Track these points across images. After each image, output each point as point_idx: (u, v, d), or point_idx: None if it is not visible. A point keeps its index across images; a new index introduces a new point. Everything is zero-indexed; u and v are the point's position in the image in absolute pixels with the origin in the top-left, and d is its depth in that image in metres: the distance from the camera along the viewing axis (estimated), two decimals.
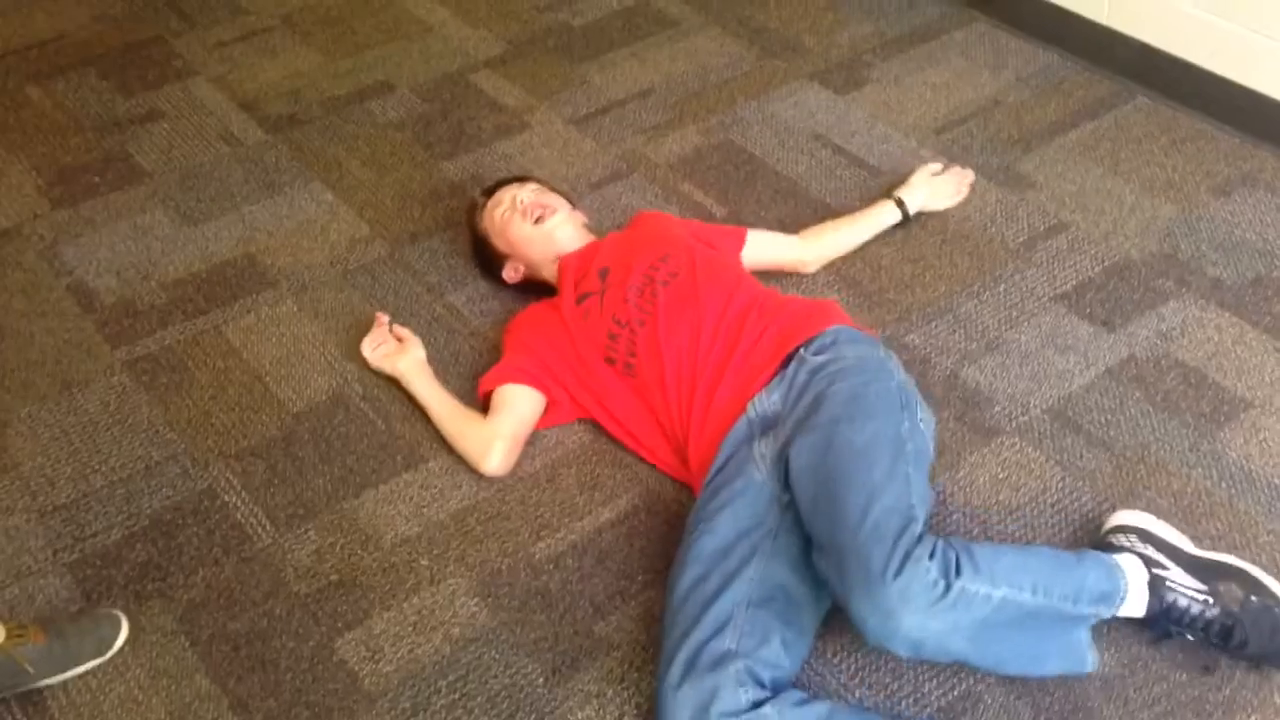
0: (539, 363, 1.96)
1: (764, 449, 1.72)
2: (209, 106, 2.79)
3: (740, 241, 2.16)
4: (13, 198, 2.52)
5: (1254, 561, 1.72)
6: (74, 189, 2.54)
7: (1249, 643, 1.59)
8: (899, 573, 1.45)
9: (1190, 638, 1.63)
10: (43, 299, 2.27)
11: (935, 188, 2.39)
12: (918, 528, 1.52)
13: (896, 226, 2.33)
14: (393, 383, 2.06)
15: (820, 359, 1.77)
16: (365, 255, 2.37)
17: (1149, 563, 1.63)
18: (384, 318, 2.14)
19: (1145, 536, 1.68)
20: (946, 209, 2.39)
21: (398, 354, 2.07)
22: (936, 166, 2.44)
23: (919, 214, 2.36)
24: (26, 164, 2.61)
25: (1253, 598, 1.61)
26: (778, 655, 1.53)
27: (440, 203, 2.50)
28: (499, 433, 1.91)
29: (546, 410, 1.98)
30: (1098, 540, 1.73)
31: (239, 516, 1.88)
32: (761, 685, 1.49)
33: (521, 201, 2.12)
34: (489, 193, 2.20)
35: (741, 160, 2.58)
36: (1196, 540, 1.74)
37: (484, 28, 3.05)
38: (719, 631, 1.53)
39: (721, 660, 1.49)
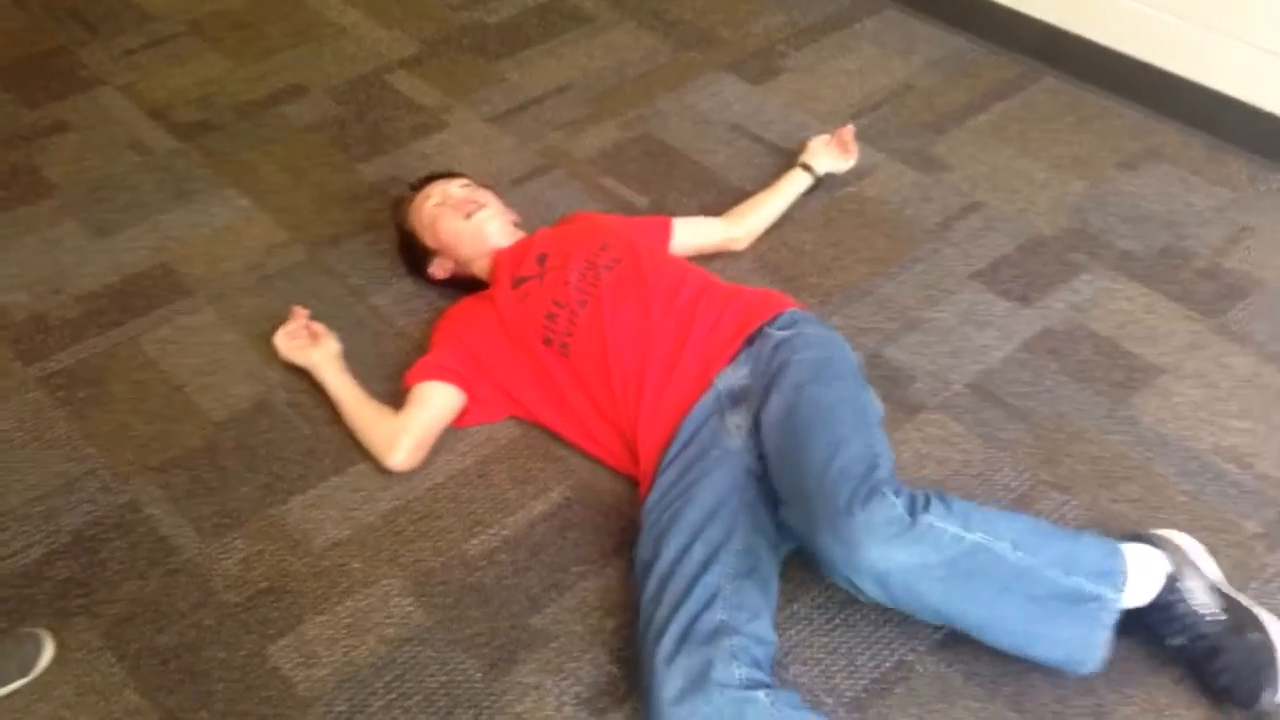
0: (466, 358, 1.96)
1: (738, 420, 1.73)
2: (117, 116, 2.74)
3: (667, 231, 2.18)
4: None
5: (1169, 524, 1.77)
6: None
7: (1225, 672, 1.54)
8: (864, 505, 1.47)
9: (1172, 642, 1.59)
10: None
11: (832, 153, 2.45)
12: (881, 473, 1.55)
13: (810, 192, 2.39)
14: (310, 381, 2.05)
15: (785, 333, 1.80)
16: (284, 260, 2.34)
17: (1177, 567, 1.59)
18: (301, 311, 2.12)
19: (1178, 554, 1.63)
20: (849, 169, 2.45)
21: (311, 345, 2.06)
22: (825, 136, 2.49)
23: (827, 176, 2.42)
24: None
25: (1251, 635, 1.56)
26: (766, 630, 1.55)
27: (359, 205, 2.48)
28: (406, 428, 1.91)
29: (472, 408, 1.97)
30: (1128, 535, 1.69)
31: (163, 529, 1.85)
32: (754, 664, 1.49)
33: (452, 196, 2.11)
34: (416, 188, 2.19)
35: (661, 152, 2.59)
36: (1115, 503, 1.79)
37: (397, 28, 3.03)
38: (710, 604, 1.53)
39: (715, 633, 1.50)
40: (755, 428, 1.71)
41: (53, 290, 2.28)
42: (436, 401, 1.93)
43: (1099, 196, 2.43)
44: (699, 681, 1.45)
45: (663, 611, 1.55)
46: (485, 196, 2.15)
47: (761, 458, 1.69)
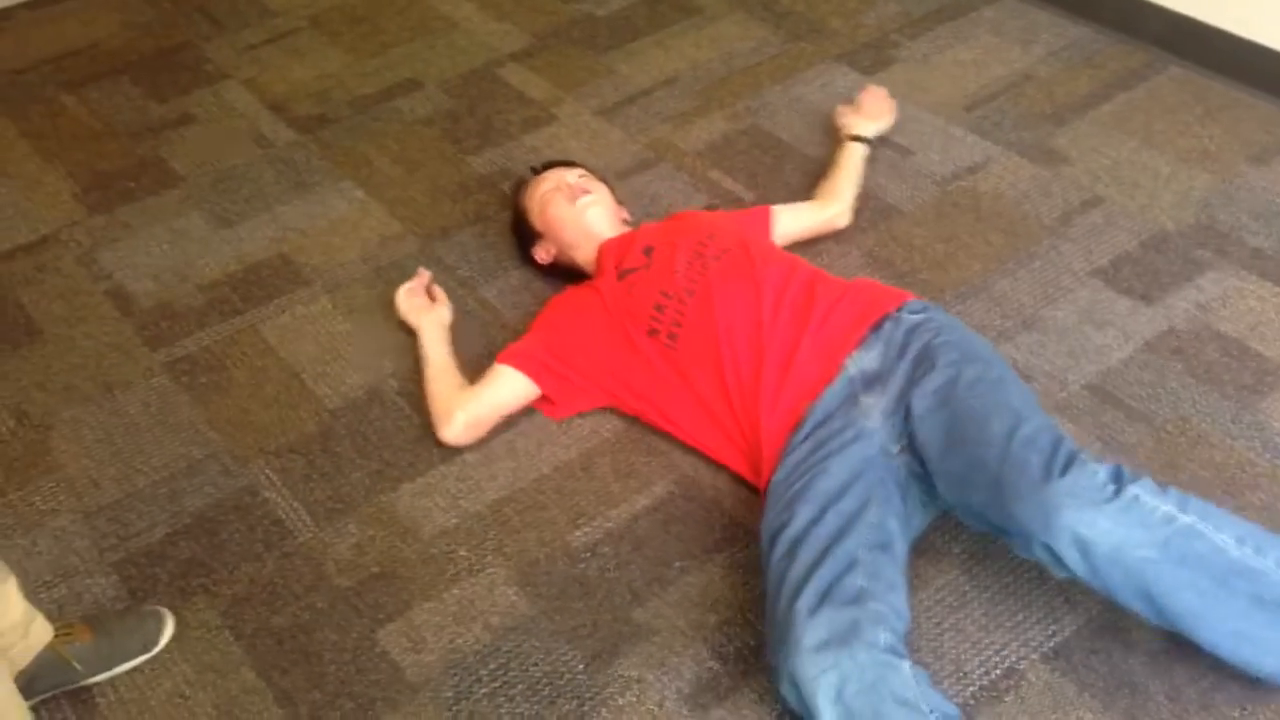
0: (559, 347, 1.96)
1: (872, 400, 1.71)
2: (240, 109, 2.81)
3: (767, 219, 2.17)
4: (50, 205, 2.55)
5: None
6: (110, 195, 2.57)
7: None
8: (1064, 472, 1.46)
9: None
10: (82, 304, 2.30)
11: (868, 115, 2.45)
12: (1071, 444, 1.52)
13: (869, 155, 2.41)
14: (421, 372, 2.07)
15: (916, 318, 1.78)
16: (397, 251, 2.38)
17: None
18: (425, 273, 2.19)
19: None
20: (890, 127, 2.49)
21: (426, 308, 2.12)
22: (844, 105, 2.51)
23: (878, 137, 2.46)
24: (63, 171, 2.65)
25: None
26: (903, 605, 1.52)
27: (470, 197, 2.51)
28: (465, 405, 1.94)
29: (563, 398, 1.97)
30: None
31: (280, 512, 1.90)
32: (898, 636, 1.46)
33: (565, 182, 2.13)
34: (538, 171, 2.22)
35: (769, 145, 2.57)
36: (1239, 511, 1.71)
37: (509, 21, 3.05)
38: (850, 569, 1.49)
39: (859, 597, 1.46)
40: (899, 408, 1.68)
41: (178, 278, 2.35)
42: (506, 387, 1.95)
43: (1227, 191, 2.33)
44: (846, 637, 1.41)
45: (797, 570, 1.51)
46: (597, 188, 2.15)
47: (908, 438, 1.66)
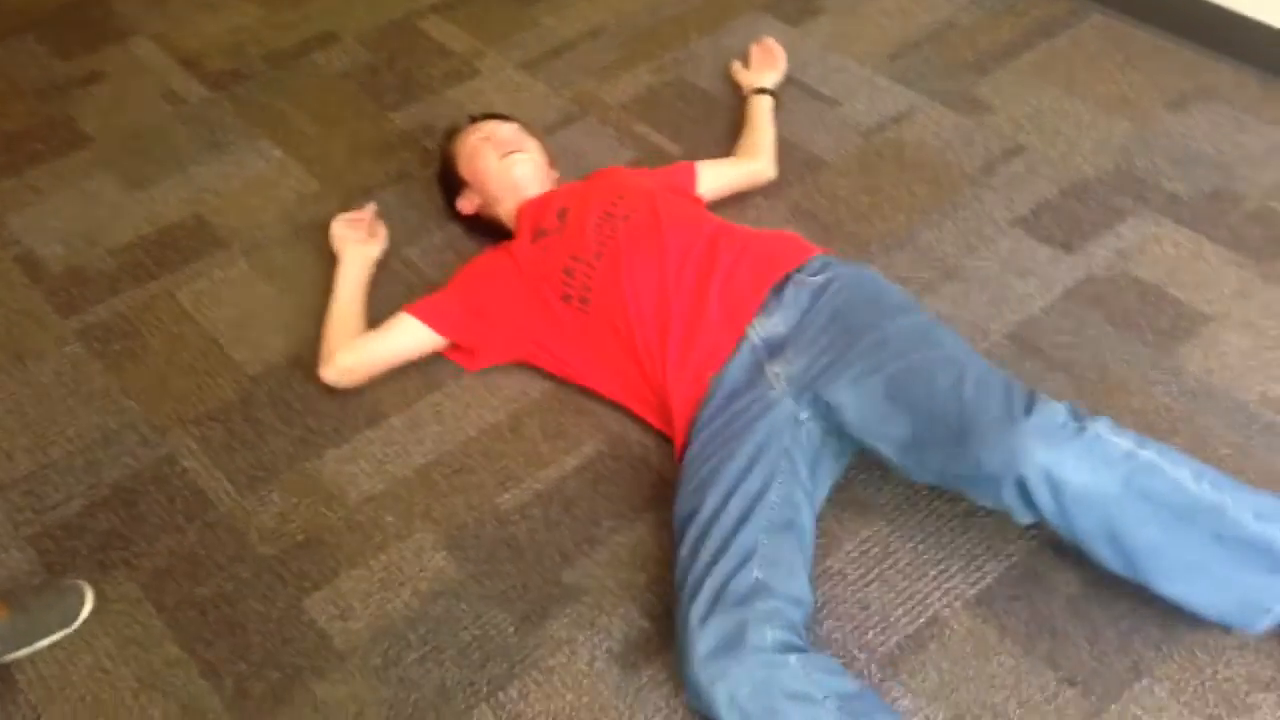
0: (473, 305, 1.94)
1: (777, 369, 1.70)
2: (150, 65, 2.73)
3: (692, 175, 2.15)
4: None
5: None
6: (16, 157, 2.48)
7: None
8: (1027, 411, 1.47)
9: None
10: None
11: (765, 67, 2.50)
12: (1022, 385, 1.53)
13: (775, 105, 2.42)
14: None
15: (818, 279, 1.77)
16: (317, 211, 2.33)
17: None
18: (372, 206, 2.21)
19: None
20: (784, 74, 2.52)
21: (356, 240, 2.12)
22: (737, 62, 2.56)
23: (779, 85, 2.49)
24: None
25: None
26: (803, 589, 1.53)
27: (391, 154, 2.46)
28: (352, 347, 1.94)
29: (478, 352, 1.96)
30: None
31: (200, 482, 1.86)
32: (788, 628, 1.47)
33: (496, 134, 2.10)
34: (474, 120, 2.19)
35: (695, 97, 2.54)
36: None
37: None
38: (745, 562, 1.51)
39: (750, 594, 1.48)
40: (806, 376, 1.67)
41: (89, 243, 2.28)
42: (403, 336, 1.94)
43: (1146, 138, 2.35)
44: (732, 643, 1.44)
45: (698, 568, 1.53)
46: (530, 146, 2.12)
47: (818, 406, 1.65)
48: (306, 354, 2.04)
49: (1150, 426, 1.83)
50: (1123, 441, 1.47)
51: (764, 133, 2.32)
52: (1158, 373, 1.92)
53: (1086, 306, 2.03)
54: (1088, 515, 1.46)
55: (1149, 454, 1.47)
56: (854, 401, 1.62)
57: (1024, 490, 1.46)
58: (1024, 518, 1.51)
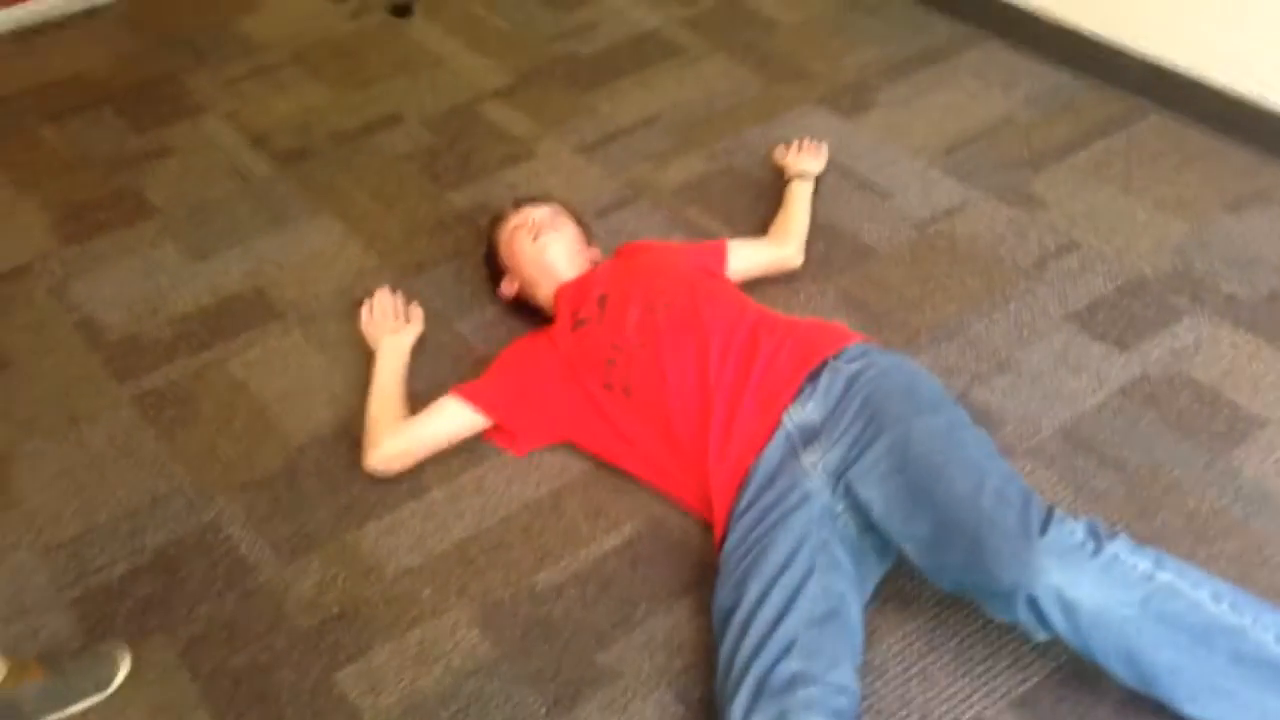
0: (516, 388, 1.95)
1: (813, 458, 1.69)
2: (219, 141, 2.81)
3: (722, 255, 2.17)
4: (24, 235, 2.54)
5: (1268, 585, 1.67)
6: (84, 226, 2.56)
7: None
8: (1043, 530, 1.45)
9: None
10: (51, 335, 2.29)
11: (807, 156, 2.53)
12: (1039, 498, 1.51)
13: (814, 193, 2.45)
14: None
15: (854, 366, 1.76)
16: (372, 285, 2.36)
17: None
18: (385, 291, 2.25)
19: None
20: (820, 168, 2.52)
21: (388, 329, 2.15)
22: (781, 147, 2.59)
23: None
24: (38, 201, 2.64)
25: None
26: (847, 678, 1.50)
27: (447, 232, 2.50)
28: (397, 431, 1.94)
29: (521, 434, 1.97)
30: None
31: (242, 550, 1.88)
32: (834, 715, 1.45)
33: (531, 219, 2.13)
34: (517, 205, 2.23)
35: (747, 185, 2.57)
36: (1211, 560, 1.70)
37: (493, 58, 3.06)
38: (786, 652, 1.49)
39: (791, 683, 1.46)
40: (840, 468, 1.66)
41: (150, 311, 2.34)
42: (446, 418, 1.94)
43: (1204, 239, 2.33)
44: None
45: (740, 662, 1.51)
46: (563, 226, 2.15)
47: (859, 505, 1.64)
48: (354, 425, 2.06)
49: (1203, 530, 1.79)
50: (1141, 562, 1.45)
51: (798, 218, 2.34)
52: (1212, 475, 1.87)
53: (1140, 405, 1.99)
54: (1103, 636, 1.43)
55: (1168, 575, 1.44)
56: (879, 498, 1.61)
57: (1036, 609, 1.44)
58: (1038, 635, 1.49)
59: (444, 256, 2.44)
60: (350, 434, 2.05)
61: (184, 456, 2.03)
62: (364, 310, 2.20)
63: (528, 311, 2.19)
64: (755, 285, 2.21)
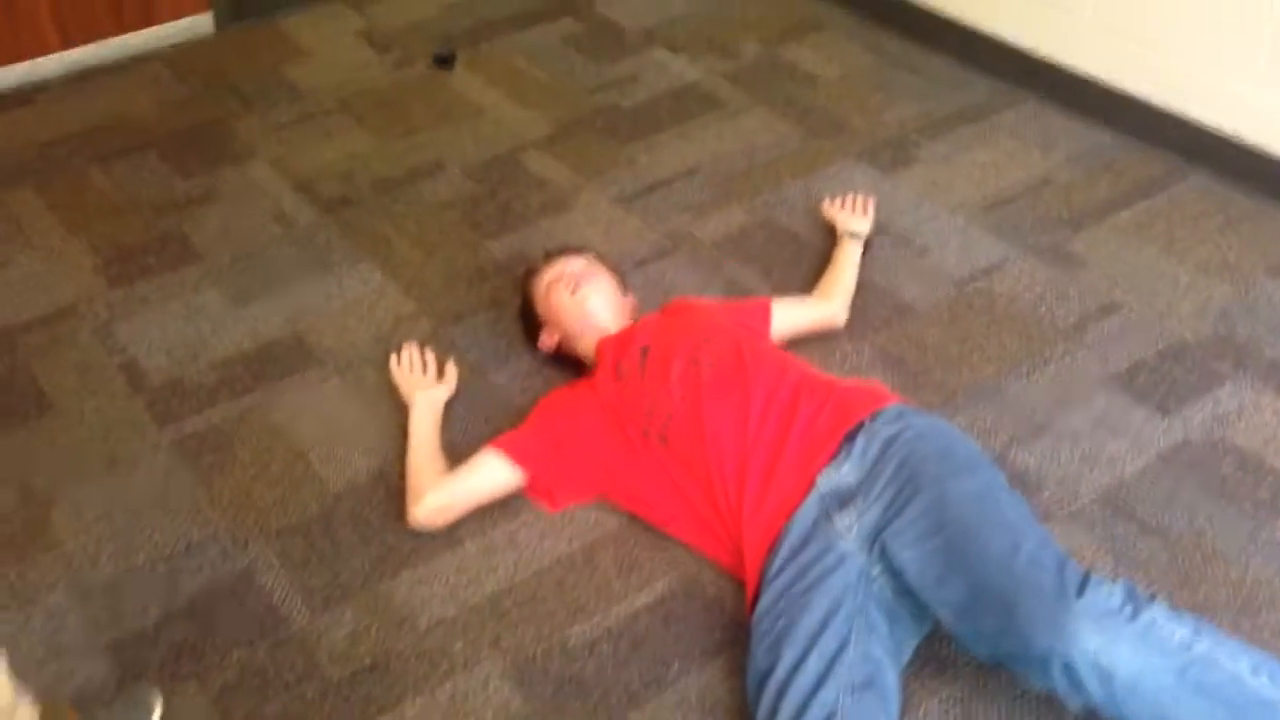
0: (554, 440, 1.96)
1: (848, 521, 1.69)
2: (264, 188, 2.85)
3: (767, 314, 2.17)
4: (70, 277, 2.58)
5: None
6: (130, 269, 2.60)
7: None
8: (1079, 593, 1.43)
9: None
10: (94, 377, 2.32)
11: (856, 216, 2.50)
12: (1075, 562, 1.50)
13: (864, 252, 2.44)
14: None
15: (890, 429, 1.75)
16: (410, 333, 2.39)
17: None
18: (413, 348, 2.24)
19: None
20: (869, 227, 2.50)
21: (421, 384, 2.15)
22: (827, 201, 2.58)
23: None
24: (86, 244, 2.68)
25: None
26: None
27: (485, 281, 2.52)
28: (440, 486, 1.94)
29: (557, 490, 1.97)
30: None
31: (276, 598, 1.88)
32: None
33: (568, 271, 2.14)
34: (549, 257, 2.24)
35: (786, 239, 2.58)
36: (1255, 632, 1.67)
37: (534, 109, 3.10)
38: None
39: None
40: (875, 531, 1.65)
41: (191, 355, 2.36)
42: (488, 473, 1.94)
43: (1247, 303, 2.31)
44: None
45: None
46: (600, 277, 2.16)
47: (886, 562, 1.63)
48: (390, 473, 2.07)
49: (1247, 601, 1.76)
50: (1179, 629, 1.43)
51: (846, 279, 2.34)
52: (1256, 545, 1.85)
53: (1182, 472, 1.97)
54: (1139, 705, 1.41)
55: (1205, 644, 1.42)
56: (914, 561, 1.60)
57: (1072, 674, 1.42)
58: (1073, 703, 1.47)
59: (481, 306, 2.46)
60: (386, 482, 2.06)
61: (221, 502, 2.05)
62: (393, 359, 2.20)
63: (568, 363, 2.19)
64: (792, 341, 2.21)
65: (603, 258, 2.27)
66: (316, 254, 2.63)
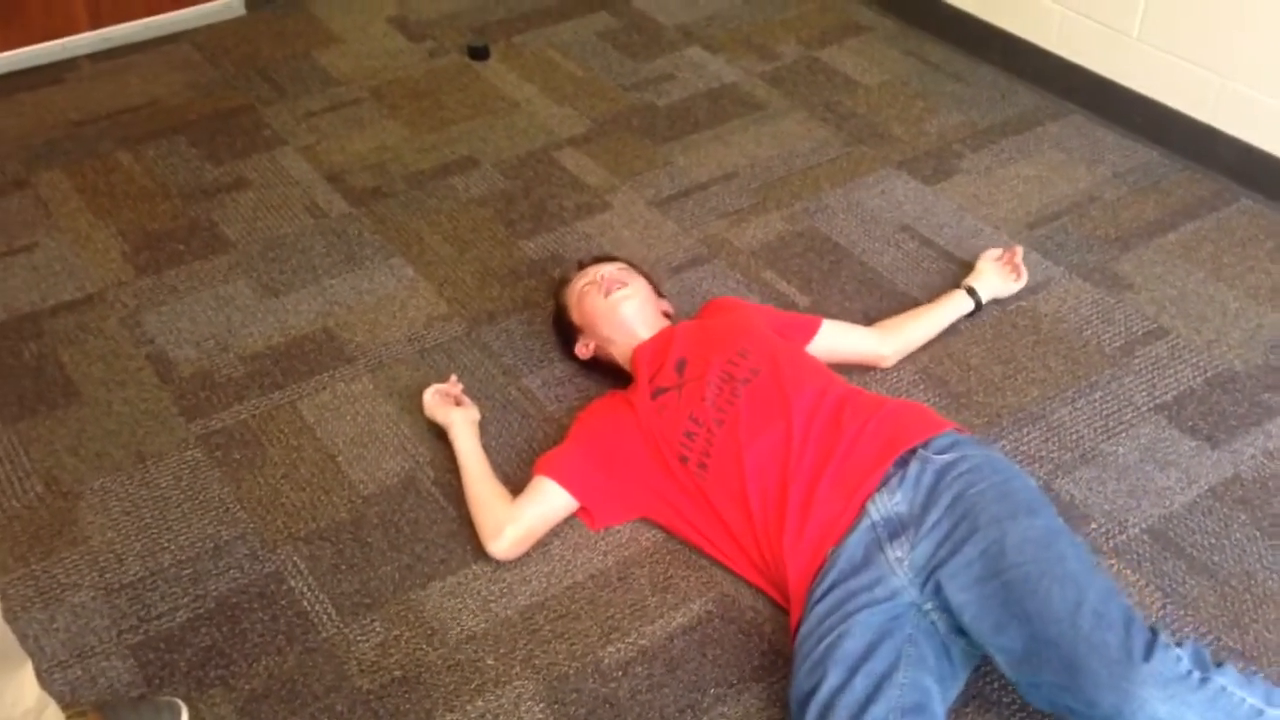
0: (598, 459, 1.92)
1: (899, 553, 1.64)
2: (295, 177, 2.81)
3: (812, 331, 2.12)
4: (98, 263, 2.54)
5: None
6: (159, 256, 2.56)
7: None
8: (1147, 656, 1.40)
9: None
10: (122, 367, 2.28)
11: (1000, 276, 2.34)
12: (1142, 619, 1.46)
13: (969, 317, 2.30)
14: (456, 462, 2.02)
15: (945, 458, 1.70)
16: (443, 333, 2.35)
17: None
18: (456, 381, 2.16)
19: None
20: (1008, 295, 2.36)
21: (456, 408, 2.08)
22: (997, 251, 2.39)
23: (990, 301, 2.33)
24: (114, 229, 2.64)
25: None
26: None
27: (519, 282, 2.48)
28: (515, 518, 1.88)
29: (601, 510, 1.93)
30: None
31: (305, 603, 1.85)
32: None
33: (601, 275, 2.10)
34: (582, 265, 2.20)
35: (826, 249, 2.53)
36: None
37: (569, 106, 3.05)
38: None
39: None
40: (928, 566, 1.61)
41: (220, 347, 2.33)
42: (550, 501, 1.90)
43: None
44: None
45: None
46: (634, 281, 2.12)
47: (940, 599, 1.59)
48: (420, 478, 2.03)
49: None
50: (1250, 696, 1.39)
51: (928, 326, 2.24)
52: None
53: (1233, 507, 1.93)
54: None
55: (1277, 713, 1.39)
56: (971, 604, 1.55)
57: None
58: None
59: (515, 307, 2.41)
60: (417, 488, 2.02)
61: (249, 502, 2.01)
62: (427, 393, 2.12)
63: (605, 370, 2.15)
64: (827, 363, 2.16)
65: (636, 263, 2.22)
66: (348, 247, 2.59)
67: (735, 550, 1.82)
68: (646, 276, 2.19)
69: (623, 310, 2.06)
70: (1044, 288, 2.40)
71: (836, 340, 2.16)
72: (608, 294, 2.07)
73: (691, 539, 1.89)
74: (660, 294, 2.20)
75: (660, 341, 2.03)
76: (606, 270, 2.13)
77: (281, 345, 2.33)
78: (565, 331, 2.19)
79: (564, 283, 2.21)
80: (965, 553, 1.58)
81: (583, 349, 2.15)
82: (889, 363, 2.21)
